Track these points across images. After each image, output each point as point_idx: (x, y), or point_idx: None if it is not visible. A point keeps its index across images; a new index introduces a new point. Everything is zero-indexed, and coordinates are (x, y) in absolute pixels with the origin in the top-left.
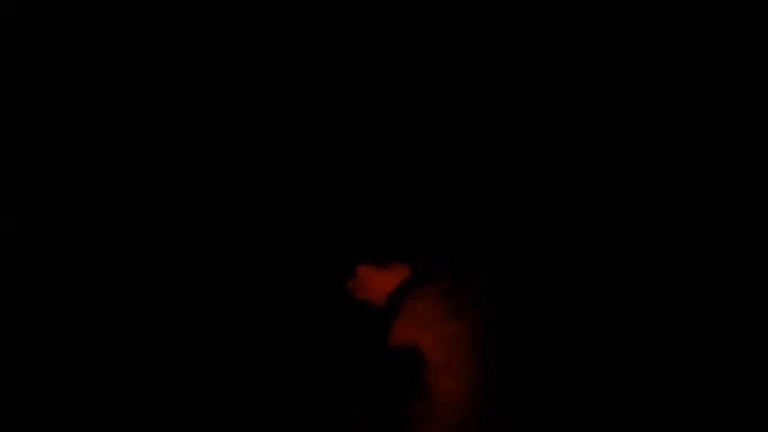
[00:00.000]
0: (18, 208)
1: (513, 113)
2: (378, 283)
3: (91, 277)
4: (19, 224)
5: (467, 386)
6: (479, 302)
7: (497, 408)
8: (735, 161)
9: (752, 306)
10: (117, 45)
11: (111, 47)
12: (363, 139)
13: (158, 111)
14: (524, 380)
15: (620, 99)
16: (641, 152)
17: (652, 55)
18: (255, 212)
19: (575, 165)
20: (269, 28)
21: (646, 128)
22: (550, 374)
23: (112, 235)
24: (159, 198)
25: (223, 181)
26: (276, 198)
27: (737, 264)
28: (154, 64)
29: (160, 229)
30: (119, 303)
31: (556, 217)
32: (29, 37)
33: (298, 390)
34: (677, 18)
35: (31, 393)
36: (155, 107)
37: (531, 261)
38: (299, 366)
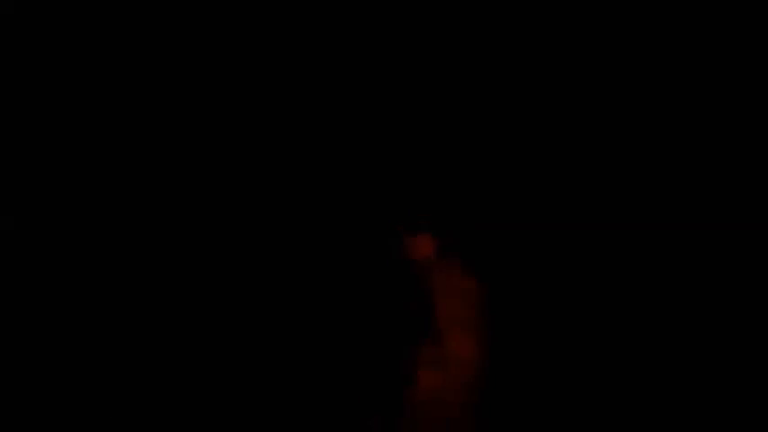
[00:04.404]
0: (18, 208)
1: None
2: (423, 246)
3: (91, 277)
4: (19, 224)
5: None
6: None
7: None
8: (734, 162)
9: (750, 307)
10: (117, 45)
11: (111, 47)
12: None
13: (158, 111)
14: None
15: (623, 97)
16: (642, 149)
17: (653, 55)
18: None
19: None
20: (269, 27)
21: (647, 126)
22: (554, 335)
23: (112, 235)
24: (160, 197)
25: (224, 179)
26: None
27: (736, 264)
28: (154, 64)
29: (161, 228)
30: (119, 303)
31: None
32: (29, 37)
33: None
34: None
35: (31, 393)
36: (155, 107)
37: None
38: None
